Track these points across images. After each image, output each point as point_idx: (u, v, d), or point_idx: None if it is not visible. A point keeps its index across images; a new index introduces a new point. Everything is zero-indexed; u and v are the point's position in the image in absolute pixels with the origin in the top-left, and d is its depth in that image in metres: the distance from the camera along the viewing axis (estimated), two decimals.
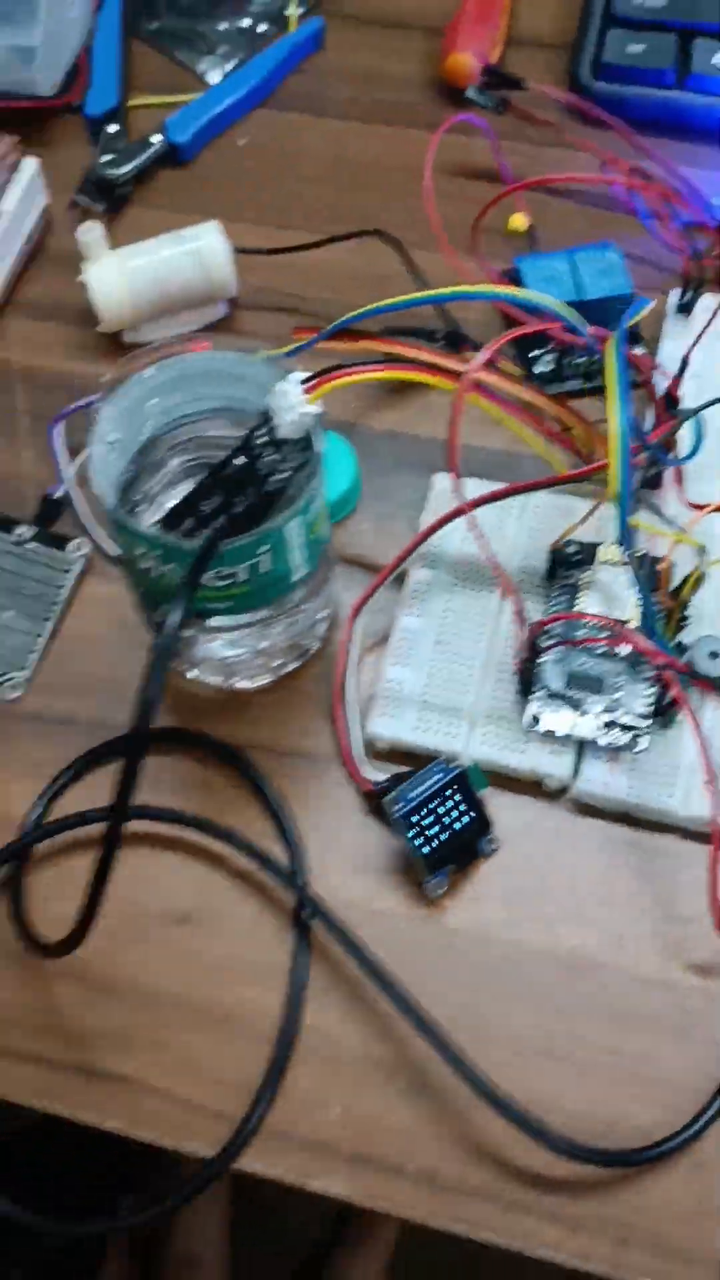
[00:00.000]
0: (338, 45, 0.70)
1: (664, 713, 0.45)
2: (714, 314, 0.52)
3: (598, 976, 0.43)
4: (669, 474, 0.49)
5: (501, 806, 0.46)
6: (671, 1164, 0.40)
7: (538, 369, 0.55)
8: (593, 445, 0.48)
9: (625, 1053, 0.42)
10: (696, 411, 0.46)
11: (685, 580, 0.46)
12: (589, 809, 0.46)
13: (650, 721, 0.45)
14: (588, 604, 0.47)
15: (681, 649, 0.45)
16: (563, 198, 0.62)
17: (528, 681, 0.46)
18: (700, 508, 0.45)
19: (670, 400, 0.51)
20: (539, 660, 0.46)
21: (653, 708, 0.45)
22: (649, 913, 0.44)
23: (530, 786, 0.46)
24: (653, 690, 0.45)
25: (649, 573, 0.47)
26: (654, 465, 0.47)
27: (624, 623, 0.46)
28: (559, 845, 0.45)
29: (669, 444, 0.49)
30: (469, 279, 0.55)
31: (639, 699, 0.45)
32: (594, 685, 0.46)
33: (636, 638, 0.43)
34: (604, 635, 0.46)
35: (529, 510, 0.51)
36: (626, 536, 0.40)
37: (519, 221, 0.61)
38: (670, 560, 0.46)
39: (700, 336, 0.50)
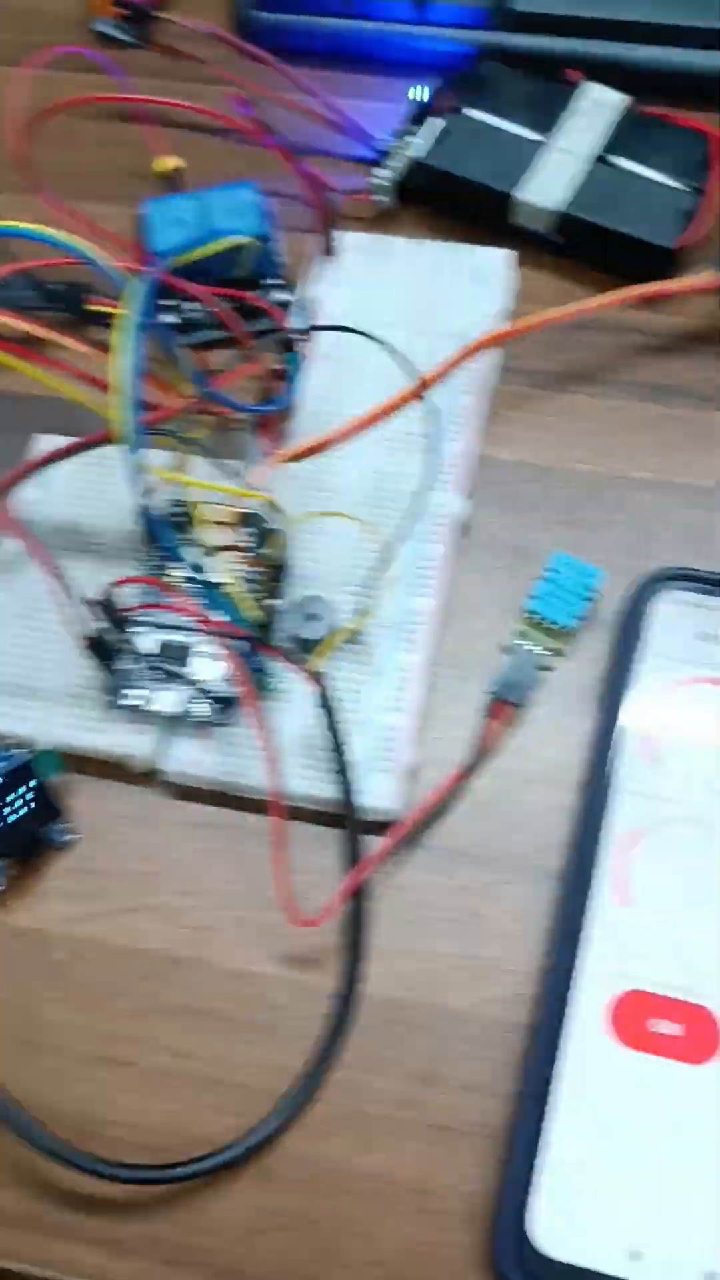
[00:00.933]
0: None
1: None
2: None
3: (179, 973, 0.39)
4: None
5: (86, 794, 0.42)
6: (236, 1176, 0.36)
7: (164, 318, 0.51)
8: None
9: (199, 1056, 0.38)
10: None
11: (264, 538, 0.42)
12: (184, 791, 0.42)
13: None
14: (185, 568, 0.43)
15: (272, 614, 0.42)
16: (217, 137, 0.58)
17: (106, 653, 0.42)
18: (291, 458, 0.41)
19: (287, 345, 0.47)
20: (121, 631, 0.42)
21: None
22: (239, 901, 0.40)
23: (118, 770, 0.42)
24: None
25: (258, 533, 0.43)
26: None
27: (217, 586, 0.42)
28: (145, 832, 0.42)
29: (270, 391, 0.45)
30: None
31: (224, 668, 0.42)
32: (179, 656, 0.42)
33: (189, 606, 0.39)
34: (188, 602, 0.42)
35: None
36: (135, 484, 0.36)
37: (165, 164, 0.56)
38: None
39: (341, 277, 0.47)
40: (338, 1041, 0.38)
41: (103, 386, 0.41)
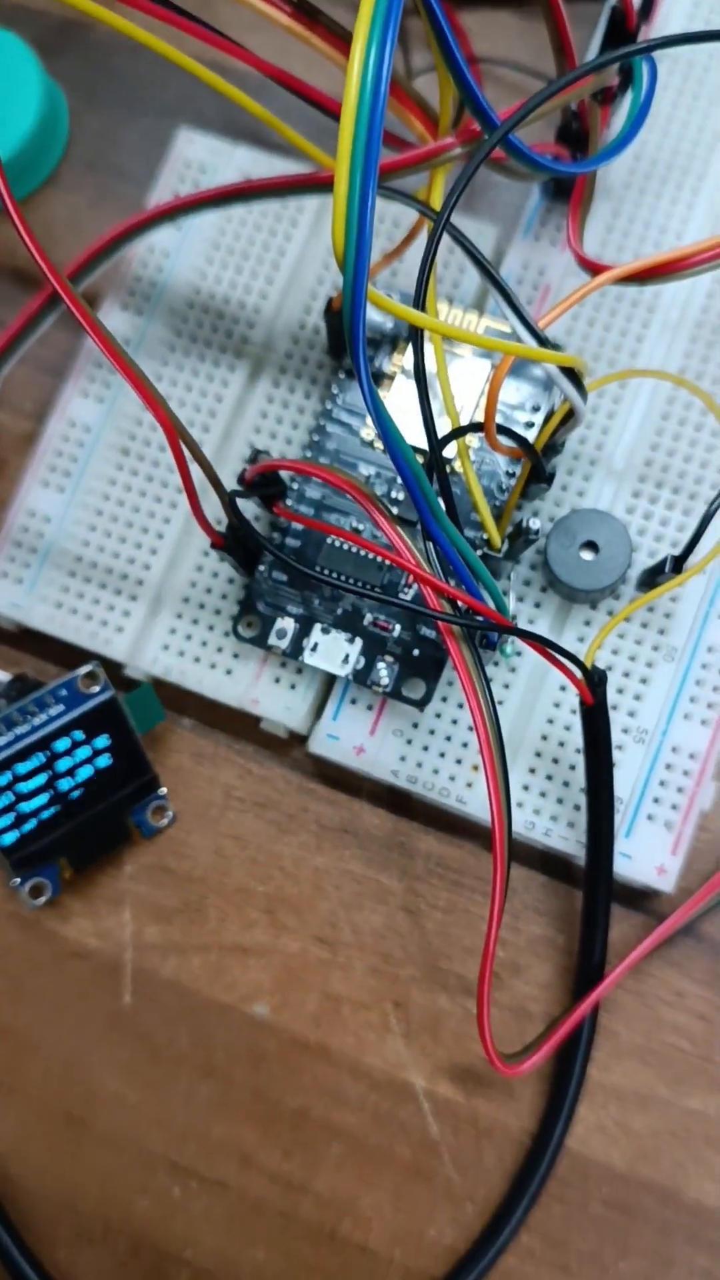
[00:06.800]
0: None
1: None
2: None
3: (300, 1063, 0.27)
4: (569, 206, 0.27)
5: (186, 751, 0.28)
6: None
7: None
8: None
9: (314, 1191, 0.26)
10: (640, 51, 0.23)
11: (547, 420, 0.25)
12: (328, 772, 0.28)
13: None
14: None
15: (524, 538, 0.25)
16: None
17: (248, 558, 0.26)
18: (600, 269, 0.23)
19: (623, 30, 0.27)
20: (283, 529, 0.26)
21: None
22: (401, 962, 0.27)
23: (236, 719, 0.28)
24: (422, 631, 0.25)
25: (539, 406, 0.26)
26: (523, 168, 0.24)
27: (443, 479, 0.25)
28: (270, 829, 0.27)
29: (584, 135, 0.26)
30: None
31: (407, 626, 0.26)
32: (350, 616, 0.26)
33: (402, 545, 0.22)
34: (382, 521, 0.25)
35: (324, 224, 0.29)
36: (356, 322, 0.18)
37: None
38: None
39: None
40: (518, 1215, 0.25)
41: (305, 91, 0.23)
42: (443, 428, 0.24)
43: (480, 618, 0.23)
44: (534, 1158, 0.25)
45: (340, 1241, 0.25)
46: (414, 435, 0.22)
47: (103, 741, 0.26)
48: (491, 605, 0.23)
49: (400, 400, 0.27)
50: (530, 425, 0.27)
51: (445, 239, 0.22)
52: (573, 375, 0.23)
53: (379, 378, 0.27)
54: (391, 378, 0.27)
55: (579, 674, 0.23)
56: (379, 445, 0.27)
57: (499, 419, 0.26)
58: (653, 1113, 0.25)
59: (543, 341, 0.22)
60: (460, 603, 0.22)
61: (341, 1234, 0.25)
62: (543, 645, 0.23)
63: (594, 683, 0.24)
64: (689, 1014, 0.26)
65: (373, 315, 0.27)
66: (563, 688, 0.26)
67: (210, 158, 0.30)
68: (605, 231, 0.29)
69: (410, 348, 0.26)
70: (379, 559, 0.26)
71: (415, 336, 0.22)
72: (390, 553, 0.22)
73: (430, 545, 0.23)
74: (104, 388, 0.29)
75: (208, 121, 0.30)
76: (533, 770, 0.26)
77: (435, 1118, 0.26)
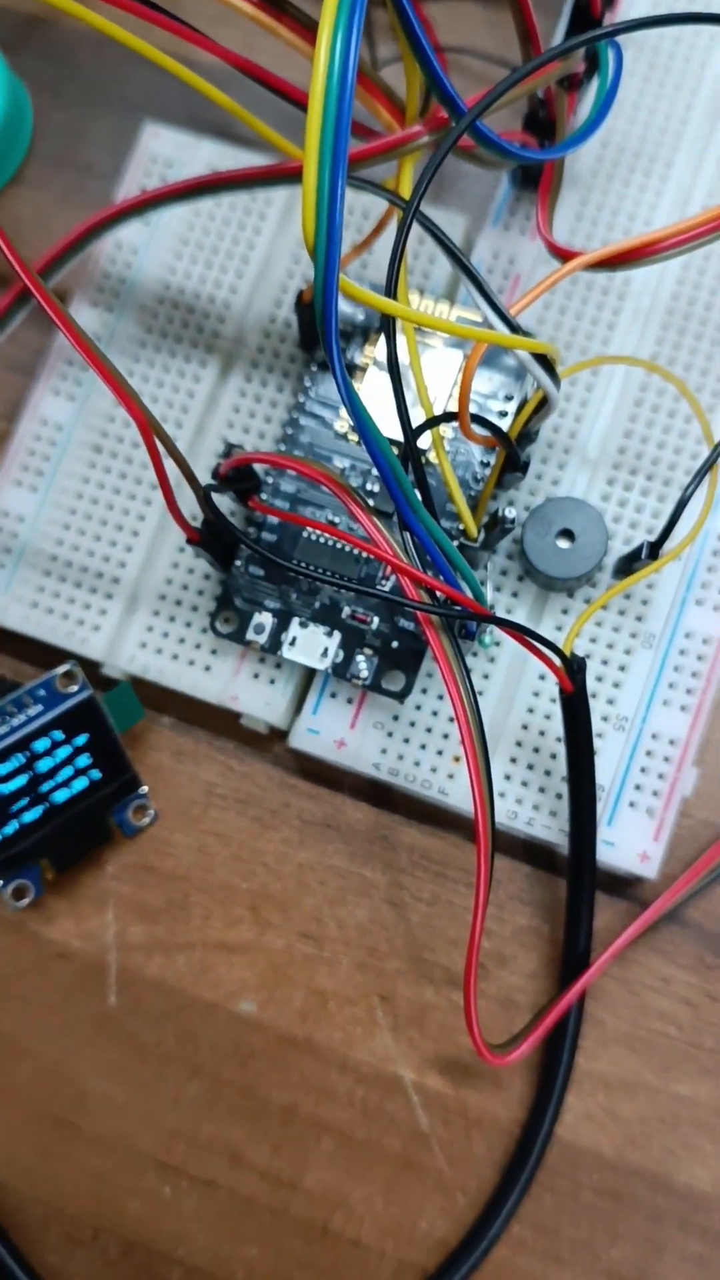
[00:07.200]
0: None
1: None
2: None
3: (287, 1059, 0.27)
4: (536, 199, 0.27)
5: (166, 749, 0.28)
6: None
7: None
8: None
9: (305, 1188, 0.26)
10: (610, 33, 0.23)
11: (521, 409, 0.25)
12: (309, 767, 0.28)
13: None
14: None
15: (500, 528, 0.25)
16: None
17: (224, 554, 0.26)
18: (570, 256, 0.23)
19: (587, 16, 0.27)
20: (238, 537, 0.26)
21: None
22: (387, 956, 0.27)
23: (214, 717, 0.28)
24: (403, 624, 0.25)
25: (510, 395, 0.26)
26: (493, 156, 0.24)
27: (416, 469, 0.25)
28: (252, 824, 0.27)
29: (551, 123, 0.26)
30: None
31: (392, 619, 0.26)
32: (329, 608, 0.26)
33: (379, 535, 0.22)
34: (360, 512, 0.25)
35: (292, 217, 0.29)
36: (329, 310, 0.18)
37: None
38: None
39: None
40: (509, 1206, 0.25)
41: (273, 83, 0.23)
42: (417, 418, 0.23)
43: (458, 607, 0.23)
44: (524, 1147, 0.25)
45: (332, 1236, 0.25)
46: (388, 427, 0.22)
47: (82, 741, 0.26)
48: (469, 595, 0.23)
49: (373, 392, 0.27)
50: (504, 414, 0.27)
51: (415, 229, 0.22)
52: (545, 362, 0.23)
53: (351, 370, 0.27)
54: (364, 370, 0.27)
55: (558, 661, 0.23)
56: (353, 437, 0.27)
57: (473, 409, 0.26)
58: (641, 1099, 0.26)
59: (514, 328, 0.22)
60: (438, 592, 0.22)
61: (333, 1229, 0.25)
62: (521, 633, 0.23)
63: (573, 670, 0.24)
64: (675, 1000, 0.26)
65: (344, 307, 0.27)
66: (542, 677, 0.26)
67: (177, 152, 0.29)
68: (575, 220, 0.29)
69: (382, 338, 0.26)
70: (355, 551, 0.26)
71: (387, 325, 0.22)
72: (367, 544, 0.22)
73: (407, 536, 0.23)
74: (75, 385, 0.28)
75: (174, 116, 0.30)
76: (514, 760, 0.26)
77: (424, 1110, 0.26)
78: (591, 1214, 0.25)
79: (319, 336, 0.19)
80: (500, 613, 0.27)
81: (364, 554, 0.26)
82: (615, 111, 0.29)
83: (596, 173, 0.29)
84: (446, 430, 0.26)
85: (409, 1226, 0.25)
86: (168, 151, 0.29)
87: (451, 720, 0.26)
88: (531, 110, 0.27)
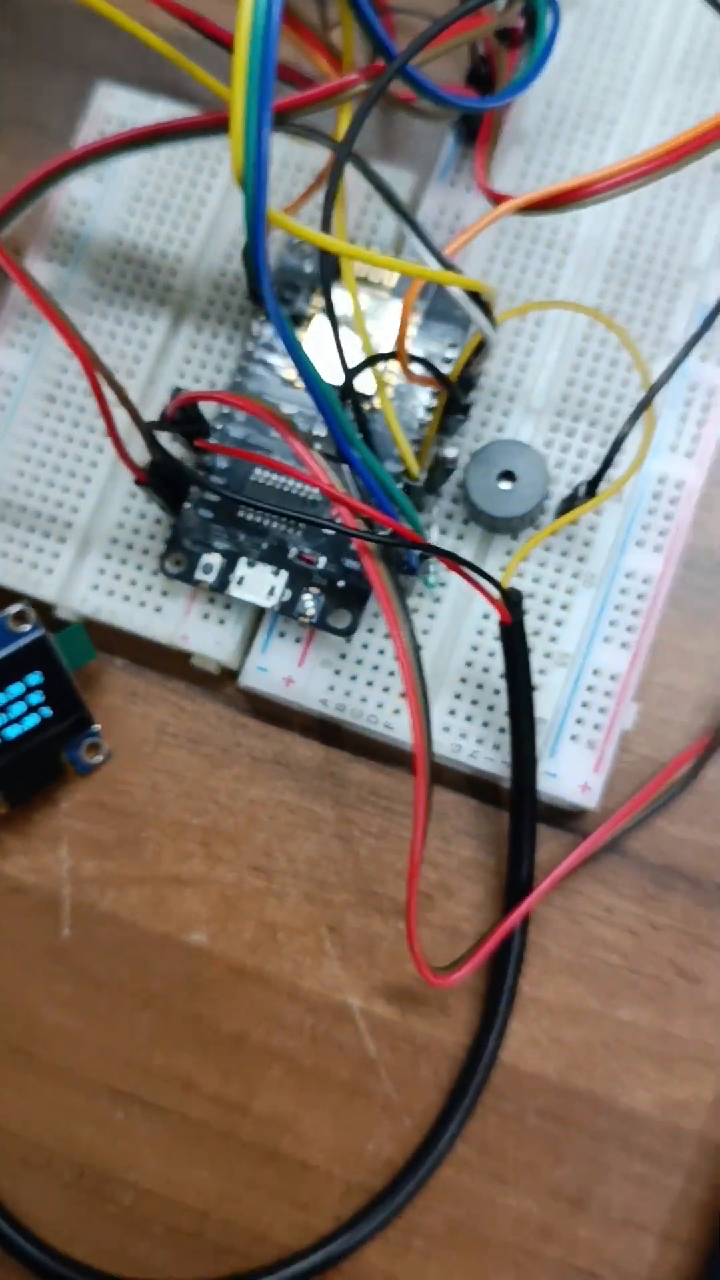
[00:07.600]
0: None
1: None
2: None
3: (236, 989, 0.27)
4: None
5: (118, 690, 0.28)
6: None
7: None
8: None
9: (256, 1113, 0.26)
10: None
11: (464, 353, 0.25)
12: (262, 706, 0.28)
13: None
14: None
15: (442, 469, 0.26)
16: None
17: (173, 494, 0.27)
18: (502, 199, 0.24)
19: None
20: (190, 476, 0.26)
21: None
22: (335, 889, 0.27)
23: (165, 658, 0.28)
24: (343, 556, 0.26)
25: (450, 337, 0.26)
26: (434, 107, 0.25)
27: (358, 411, 0.26)
28: (204, 762, 0.28)
29: (492, 79, 0.27)
30: None
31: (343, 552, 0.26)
32: (277, 542, 0.27)
33: (315, 465, 0.23)
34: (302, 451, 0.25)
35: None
36: (257, 239, 0.19)
37: None
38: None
39: None
40: (454, 1127, 0.26)
41: (206, 28, 0.24)
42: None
43: (394, 535, 0.23)
44: (468, 1071, 0.26)
45: (281, 1159, 0.26)
46: (332, 376, 0.23)
47: (35, 680, 0.26)
48: (408, 528, 0.24)
49: (319, 341, 0.27)
50: (449, 361, 0.27)
51: (355, 176, 0.23)
52: (480, 302, 0.24)
53: (298, 319, 0.28)
54: (310, 319, 0.28)
55: (495, 593, 0.24)
56: (300, 385, 0.27)
57: (420, 357, 0.26)
58: (584, 1025, 0.26)
59: (447, 266, 0.23)
60: (377, 523, 0.23)
61: (283, 1152, 0.26)
62: (459, 564, 0.24)
63: (511, 602, 0.24)
64: (618, 929, 0.27)
65: (290, 259, 0.28)
66: (486, 616, 0.27)
67: (130, 112, 0.30)
68: (519, 177, 0.29)
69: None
70: (303, 491, 0.27)
71: (323, 262, 0.23)
72: (307, 475, 0.23)
73: (345, 468, 0.23)
74: (29, 337, 0.29)
75: (128, 78, 0.31)
76: (458, 696, 0.27)
77: (372, 1037, 0.26)
78: (536, 1136, 0.26)
79: (247, 268, 0.19)
80: None
81: (310, 497, 0.26)
82: (559, 71, 0.29)
83: (541, 131, 0.29)
84: (390, 378, 0.27)
85: (357, 1149, 0.26)
86: (122, 111, 0.30)
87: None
88: (474, 66, 0.28)
